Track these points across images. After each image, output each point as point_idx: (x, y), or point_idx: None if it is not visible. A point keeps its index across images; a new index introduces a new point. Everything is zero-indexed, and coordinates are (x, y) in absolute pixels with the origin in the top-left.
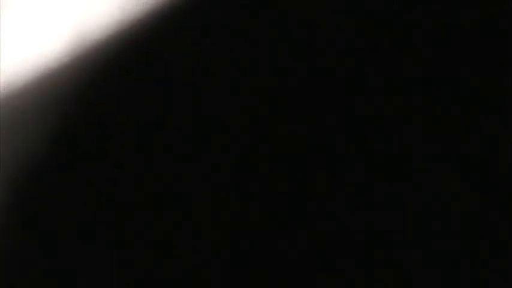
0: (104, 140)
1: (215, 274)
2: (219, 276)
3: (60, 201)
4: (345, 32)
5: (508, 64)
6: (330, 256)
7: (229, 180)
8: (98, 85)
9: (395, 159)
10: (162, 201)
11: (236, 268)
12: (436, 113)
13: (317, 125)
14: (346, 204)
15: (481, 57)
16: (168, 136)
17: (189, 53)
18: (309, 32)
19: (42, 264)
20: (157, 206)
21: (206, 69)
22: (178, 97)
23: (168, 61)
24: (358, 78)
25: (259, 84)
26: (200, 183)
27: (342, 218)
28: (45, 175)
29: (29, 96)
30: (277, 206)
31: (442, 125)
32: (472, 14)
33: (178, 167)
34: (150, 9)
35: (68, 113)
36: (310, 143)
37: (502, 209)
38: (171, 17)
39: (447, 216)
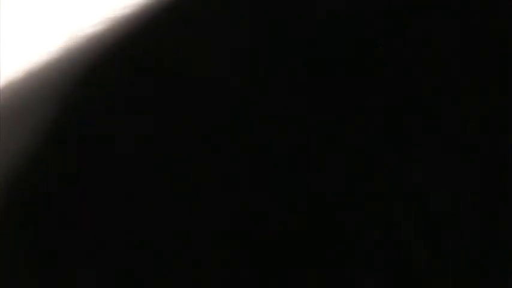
0: (103, 138)
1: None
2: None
3: (59, 201)
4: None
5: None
6: (333, 256)
7: (233, 177)
8: (96, 82)
9: (395, 158)
10: (162, 199)
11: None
12: (437, 111)
13: (314, 124)
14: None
15: (481, 56)
16: (169, 133)
17: (187, 48)
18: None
19: (41, 264)
20: (158, 203)
21: (206, 64)
22: (177, 92)
23: (166, 55)
24: (359, 75)
25: (260, 85)
26: (200, 180)
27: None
28: (43, 174)
29: (26, 95)
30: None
31: (443, 123)
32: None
33: (178, 165)
34: (146, 3)
35: (66, 111)
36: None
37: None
38: (168, 10)
39: (450, 217)
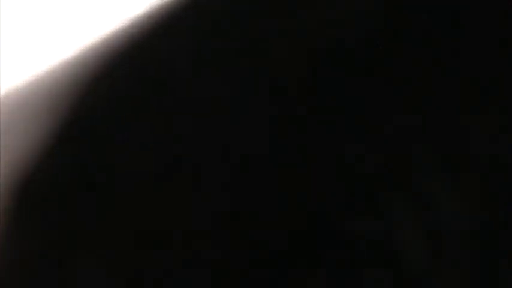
0: (104, 140)
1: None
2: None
3: (59, 203)
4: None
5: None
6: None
7: (234, 187)
8: (98, 84)
9: (394, 162)
10: (164, 198)
11: None
12: (436, 113)
13: (313, 126)
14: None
15: (481, 57)
16: (169, 136)
17: (191, 50)
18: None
19: (41, 266)
20: (158, 205)
21: (208, 67)
22: (180, 95)
23: (170, 58)
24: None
25: (261, 84)
26: (201, 180)
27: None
28: (48, 175)
29: (28, 96)
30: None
31: (442, 126)
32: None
33: (180, 166)
34: (152, 6)
35: (67, 112)
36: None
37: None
38: (173, 13)
39: (448, 218)
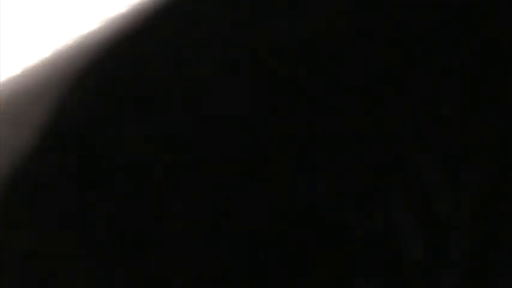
0: (100, 136)
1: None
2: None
3: (58, 200)
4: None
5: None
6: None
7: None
8: (94, 81)
9: (395, 155)
10: (158, 194)
11: None
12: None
13: (313, 117)
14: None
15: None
16: (167, 132)
17: (184, 44)
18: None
19: (41, 263)
20: (154, 202)
21: (202, 62)
22: (175, 92)
23: (164, 52)
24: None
25: (257, 81)
26: (193, 178)
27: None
28: (41, 172)
29: (24, 93)
30: None
31: (443, 122)
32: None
33: (175, 163)
34: (142, 3)
35: (63, 109)
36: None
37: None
38: (165, 8)
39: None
